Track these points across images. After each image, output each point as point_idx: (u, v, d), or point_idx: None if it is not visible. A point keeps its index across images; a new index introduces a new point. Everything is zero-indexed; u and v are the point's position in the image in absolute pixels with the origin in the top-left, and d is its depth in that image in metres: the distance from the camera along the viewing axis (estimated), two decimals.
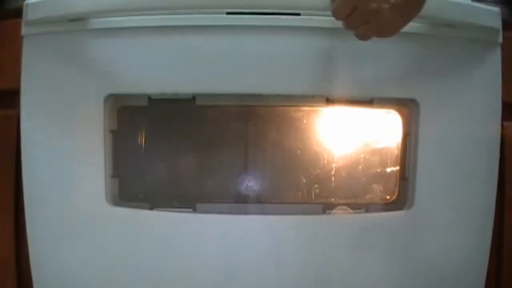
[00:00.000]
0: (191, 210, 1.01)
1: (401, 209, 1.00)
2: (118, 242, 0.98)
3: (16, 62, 0.97)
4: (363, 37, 0.84)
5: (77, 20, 0.93)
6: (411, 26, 0.91)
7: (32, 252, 0.98)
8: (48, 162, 0.96)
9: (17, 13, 0.97)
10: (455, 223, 0.99)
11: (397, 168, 1.03)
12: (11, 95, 0.99)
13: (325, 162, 1.06)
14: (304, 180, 1.06)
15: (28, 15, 0.93)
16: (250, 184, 1.04)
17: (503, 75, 0.98)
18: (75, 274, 0.98)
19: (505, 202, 1.03)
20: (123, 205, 1.00)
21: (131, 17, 0.93)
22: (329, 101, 0.99)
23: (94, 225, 0.97)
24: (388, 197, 1.04)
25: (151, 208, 1.00)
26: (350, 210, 0.99)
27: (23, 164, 0.97)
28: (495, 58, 0.96)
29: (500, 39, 0.95)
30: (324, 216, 1.01)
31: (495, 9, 0.94)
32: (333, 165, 1.05)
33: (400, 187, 1.02)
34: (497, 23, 0.94)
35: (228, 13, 0.93)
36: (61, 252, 0.98)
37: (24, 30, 0.95)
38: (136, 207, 1.00)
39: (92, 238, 0.97)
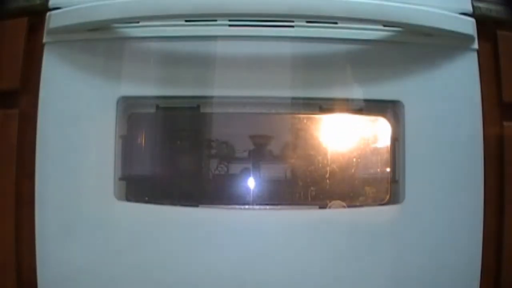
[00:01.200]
0: None
1: (393, 211, 1.04)
2: (125, 238, 1.01)
3: (16, 62, 1.00)
4: None
5: (96, 30, 1.01)
6: (393, 35, 1.02)
7: (39, 247, 1.00)
8: (61, 162, 1.01)
9: (17, 13, 1.02)
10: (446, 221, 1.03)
11: (388, 171, 1.09)
12: (11, 95, 1.01)
13: (320, 166, 1.12)
14: (301, 183, 1.12)
15: (50, 24, 1.01)
16: (251, 186, 1.10)
17: (503, 75, 1.04)
18: (80, 269, 1.00)
19: (505, 202, 1.03)
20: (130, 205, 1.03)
21: (143, 28, 1.03)
22: (322, 109, 1.07)
23: (102, 223, 1.01)
24: (381, 199, 1.09)
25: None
26: (344, 204, 1.04)
27: (37, 163, 1.00)
28: (473, 63, 1.03)
29: (476, 46, 1.03)
30: (320, 211, 1.05)
31: (470, 18, 1.03)
32: (328, 169, 1.12)
33: (391, 189, 1.08)
34: (472, 31, 1.03)
35: (230, 26, 1.03)
36: (68, 248, 1.00)
37: (45, 38, 1.02)
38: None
39: (100, 236, 1.01)
